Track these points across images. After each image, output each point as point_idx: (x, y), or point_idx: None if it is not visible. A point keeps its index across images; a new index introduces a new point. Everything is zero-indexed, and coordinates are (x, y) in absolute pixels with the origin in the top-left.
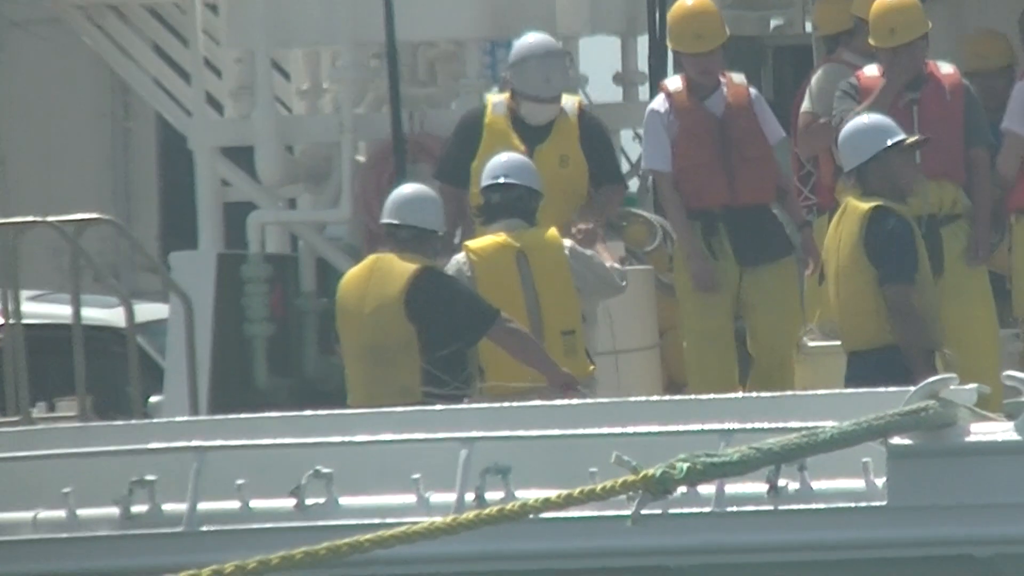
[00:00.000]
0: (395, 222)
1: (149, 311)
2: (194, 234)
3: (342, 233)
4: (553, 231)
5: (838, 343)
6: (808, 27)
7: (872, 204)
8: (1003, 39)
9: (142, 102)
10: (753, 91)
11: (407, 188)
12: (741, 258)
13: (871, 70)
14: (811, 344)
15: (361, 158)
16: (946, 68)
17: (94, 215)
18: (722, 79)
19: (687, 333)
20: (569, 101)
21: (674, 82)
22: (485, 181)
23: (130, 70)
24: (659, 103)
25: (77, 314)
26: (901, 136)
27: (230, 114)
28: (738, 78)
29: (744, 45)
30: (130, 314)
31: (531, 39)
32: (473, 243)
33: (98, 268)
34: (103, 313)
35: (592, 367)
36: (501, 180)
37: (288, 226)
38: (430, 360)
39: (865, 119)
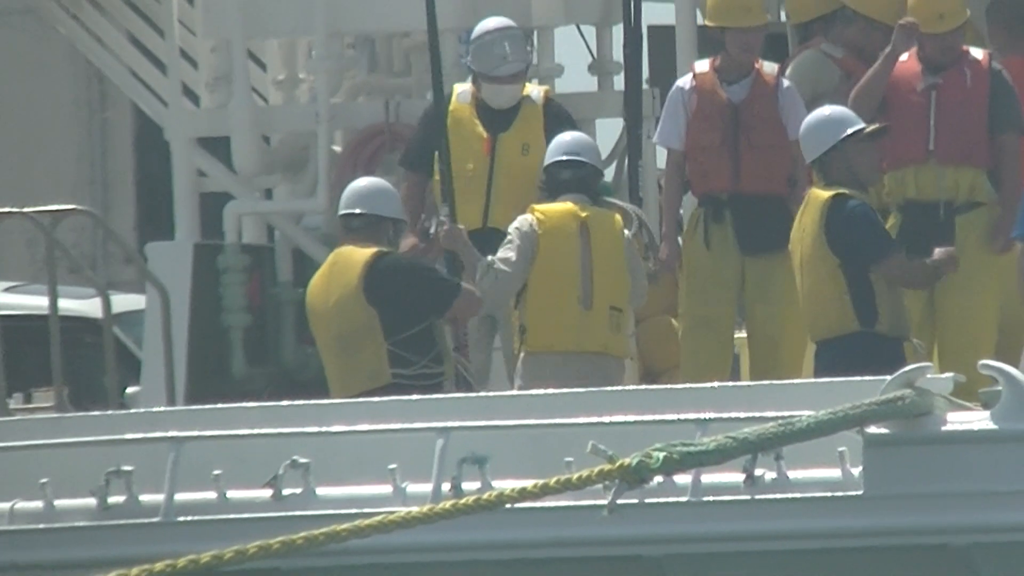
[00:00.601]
0: (345, 212)
1: (126, 302)
2: (170, 224)
3: (319, 223)
4: (617, 217)
5: None
6: (783, 16)
7: (832, 192)
8: (971, 27)
9: (118, 93)
10: (786, 83)
11: (359, 181)
12: (743, 246)
13: (902, 57)
14: None
15: (338, 148)
16: (975, 53)
17: (70, 206)
18: (755, 66)
19: (684, 318)
20: (536, 90)
21: (702, 64)
22: (553, 157)
23: (106, 60)
24: (685, 81)
25: (53, 305)
26: (860, 125)
27: (206, 104)
28: (769, 67)
29: (719, 33)
30: (107, 305)
31: (488, 21)
32: (540, 206)
33: (74, 259)
34: (79, 304)
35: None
36: (573, 158)
37: (265, 216)
38: (396, 342)
39: (826, 110)
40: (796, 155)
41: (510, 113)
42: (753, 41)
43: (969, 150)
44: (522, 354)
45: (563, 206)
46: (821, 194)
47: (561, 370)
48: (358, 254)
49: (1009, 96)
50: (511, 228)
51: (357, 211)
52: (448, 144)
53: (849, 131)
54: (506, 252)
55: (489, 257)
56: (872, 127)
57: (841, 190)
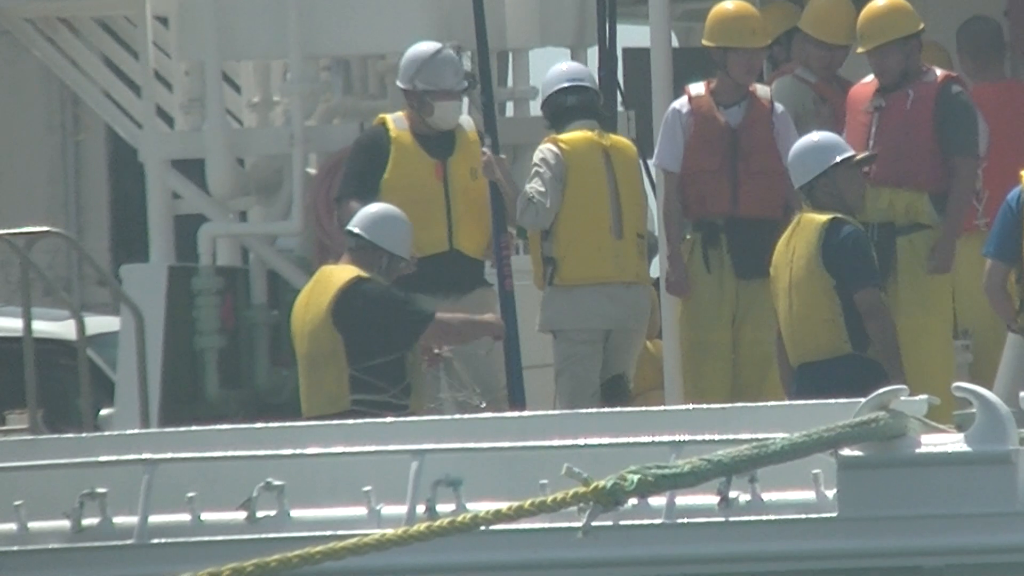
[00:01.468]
0: (348, 229)
1: (100, 324)
2: (145, 247)
3: (293, 245)
4: (629, 141)
5: None
6: None
7: (829, 216)
8: (941, 52)
9: (92, 115)
10: (779, 107)
11: (376, 205)
12: (739, 271)
13: (867, 79)
14: None
15: (312, 170)
16: (933, 74)
17: (44, 228)
18: (750, 89)
19: (683, 343)
20: (465, 117)
21: (697, 88)
22: (556, 85)
23: (80, 83)
24: (681, 103)
25: (28, 327)
26: (848, 153)
27: (181, 127)
28: (763, 91)
29: (695, 57)
30: (81, 327)
31: (422, 45)
32: (561, 136)
33: (48, 281)
34: (53, 326)
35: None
36: (576, 83)
37: (239, 238)
38: (363, 369)
39: (814, 136)
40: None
41: (447, 139)
42: (756, 63)
43: (907, 172)
44: (548, 288)
45: (582, 134)
46: (816, 217)
47: (595, 301)
48: (337, 276)
49: (961, 119)
50: (536, 159)
51: (356, 231)
52: (489, 77)
53: (838, 158)
54: (538, 184)
55: (526, 187)
56: (861, 155)
57: (836, 215)
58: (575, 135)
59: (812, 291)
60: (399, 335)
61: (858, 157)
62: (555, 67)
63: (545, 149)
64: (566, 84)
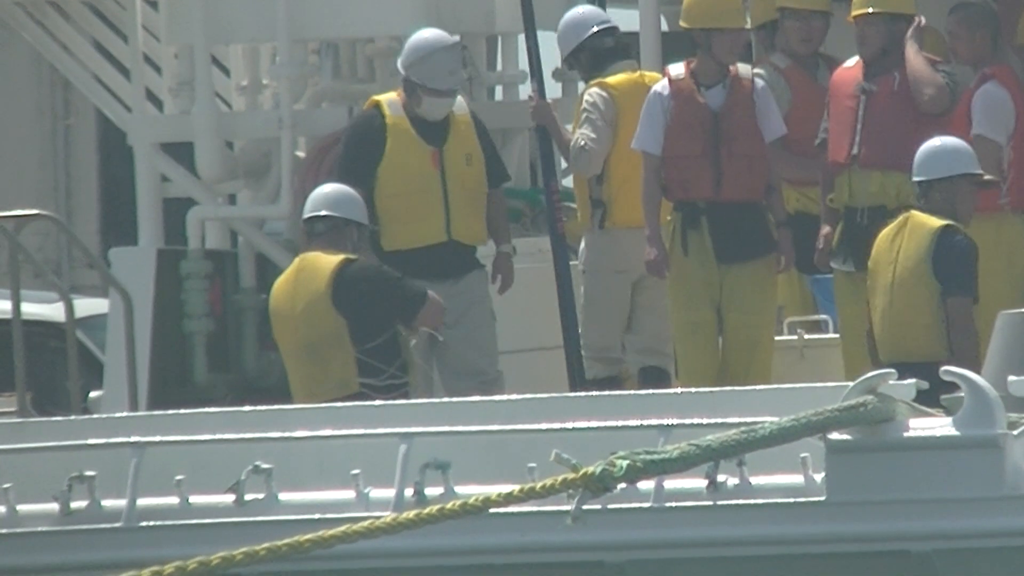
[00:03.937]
0: (310, 215)
1: (89, 306)
2: (134, 230)
3: (281, 229)
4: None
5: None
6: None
7: (943, 222)
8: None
9: (82, 98)
10: (759, 83)
11: (323, 187)
12: (720, 255)
13: (850, 62)
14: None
15: (300, 154)
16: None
17: (34, 211)
18: (731, 70)
19: (674, 324)
20: (459, 101)
21: (676, 68)
22: (587, 32)
23: (70, 66)
24: (662, 86)
25: (17, 309)
26: (978, 171)
27: (170, 110)
28: (744, 70)
29: (682, 39)
30: (70, 309)
31: (428, 34)
32: (607, 79)
33: (38, 264)
34: (42, 308)
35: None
36: (607, 25)
37: (228, 222)
38: (364, 351)
39: (955, 141)
40: (772, 161)
41: (442, 125)
42: (740, 43)
43: (896, 155)
44: (597, 231)
45: (627, 76)
46: (929, 220)
47: (638, 244)
48: (325, 260)
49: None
50: (586, 104)
51: (322, 213)
52: (535, 41)
53: (968, 171)
54: (589, 130)
55: (578, 134)
56: (988, 177)
57: (950, 222)
58: (621, 77)
59: (917, 295)
60: (399, 310)
61: (985, 177)
62: (571, 17)
63: (594, 93)
64: (597, 28)
